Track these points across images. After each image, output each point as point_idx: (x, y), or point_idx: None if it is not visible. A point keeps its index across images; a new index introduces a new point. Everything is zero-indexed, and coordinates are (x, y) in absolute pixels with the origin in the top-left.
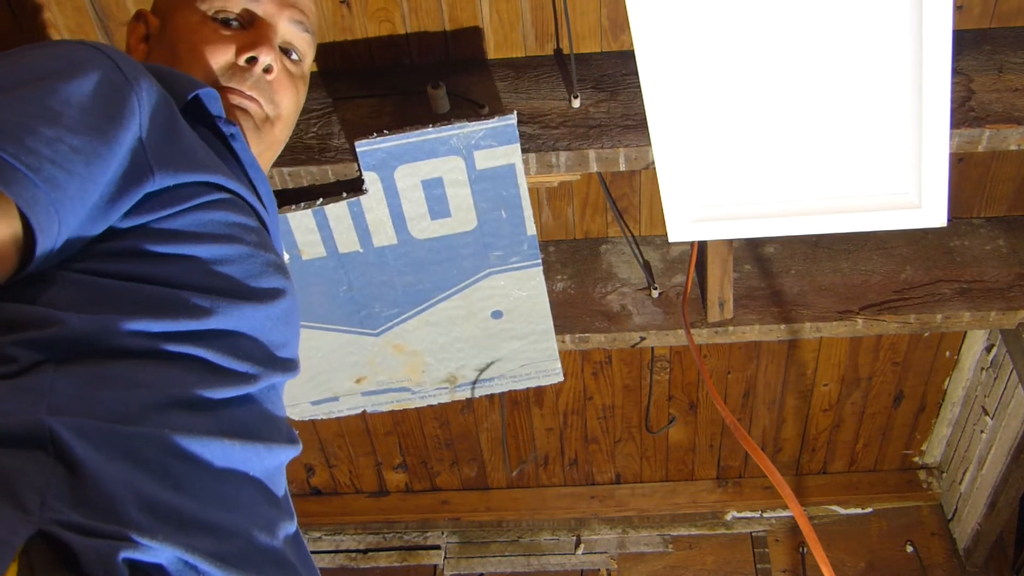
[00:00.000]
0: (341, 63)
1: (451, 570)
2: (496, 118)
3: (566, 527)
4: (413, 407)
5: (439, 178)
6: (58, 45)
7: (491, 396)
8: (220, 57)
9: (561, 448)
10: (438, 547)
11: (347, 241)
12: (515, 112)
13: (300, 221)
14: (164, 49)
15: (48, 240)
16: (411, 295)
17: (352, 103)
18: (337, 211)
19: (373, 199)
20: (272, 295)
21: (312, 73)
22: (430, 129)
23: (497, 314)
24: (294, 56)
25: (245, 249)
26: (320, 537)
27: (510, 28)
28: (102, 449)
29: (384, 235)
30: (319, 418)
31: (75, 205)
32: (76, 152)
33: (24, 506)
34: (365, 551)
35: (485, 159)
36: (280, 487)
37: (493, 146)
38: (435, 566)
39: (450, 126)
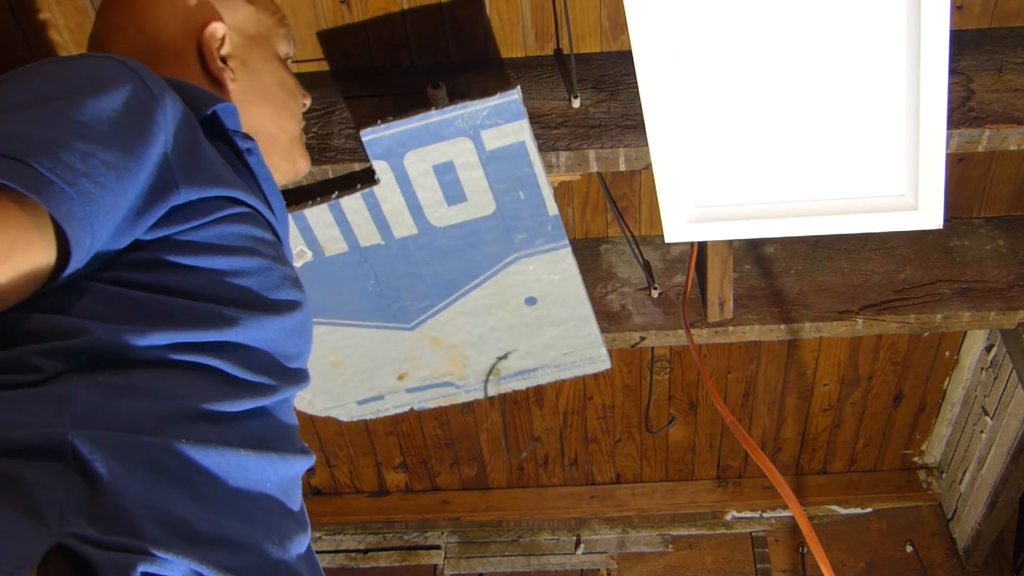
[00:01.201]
0: (341, 63)
1: (451, 570)
2: (498, 95)
3: (566, 527)
4: (460, 402)
5: (450, 162)
6: (85, 59)
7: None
8: (299, 102)
9: (561, 448)
10: (438, 547)
11: (367, 234)
12: (518, 87)
13: (318, 217)
14: (253, 86)
15: (81, 253)
16: (440, 285)
17: (352, 103)
18: (353, 204)
19: (387, 188)
20: (289, 307)
21: (312, 73)
22: (433, 112)
23: (531, 300)
24: None
25: (264, 262)
26: (320, 537)
27: (510, 28)
28: (122, 460)
29: (403, 225)
30: (368, 418)
31: (107, 219)
32: (108, 167)
33: (43, 519)
34: (365, 551)
35: (494, 138)
36: (296, 500)
37: (500, 124)
38: (435, 566)
39: (453, 107)
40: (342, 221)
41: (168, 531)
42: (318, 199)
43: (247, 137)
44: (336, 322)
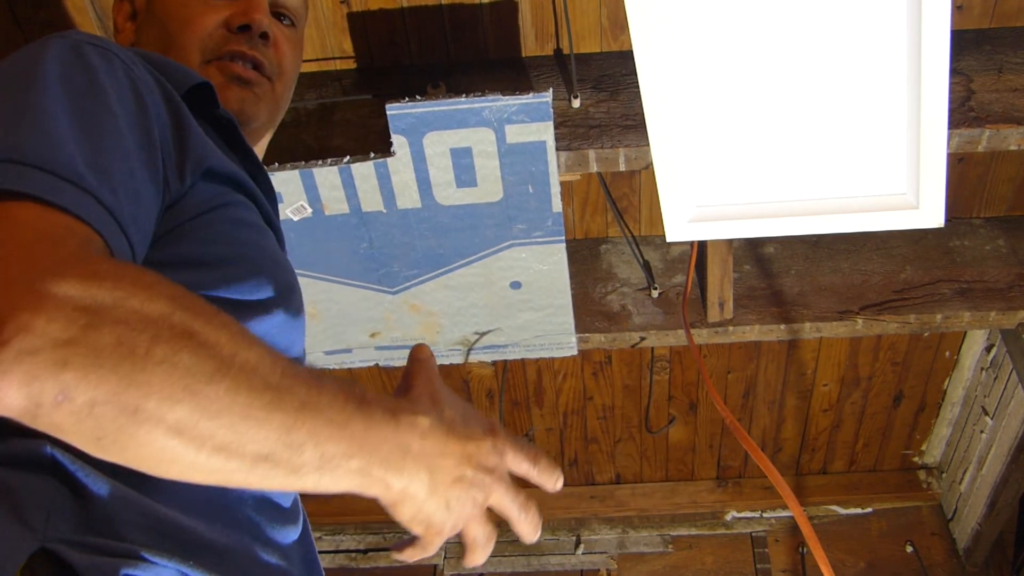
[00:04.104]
0: (341, 63)
1: (451, 570)
2: (531, 94)
3: (566, 527)
4: None
5: (468, 148)
6: (72, 51)
7: (491, 395)
8: (214, 29)
9: (561, 448)
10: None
11: (371, 201)
12: (551, 89)
13: (326, 177)
14: (153, 28)
15: None
16: (431, 258)
17: (352, 103)
18: (363, 170)
19: (400, 162)
20: (280, 300)
21: (312, 72)
22: (463, 99)
23: (516, 285)
24: (286, 20)
25: (253, 252)
26: (320, 537)
27: (510, 28)
28: (105, 465)
29: (408, 198)
30: (331, 368)
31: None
32: (138, 184)
33: (29, 523)
34: (365, 551)
35: (516, 134)
36: (287, 495)
37: (525, 121)
38: (435, 566)
39: (484, 98)
40: (349, 184)
41: (154, 534)
42: (330, 160)
43: (228, 113)
44: (321, 276)
